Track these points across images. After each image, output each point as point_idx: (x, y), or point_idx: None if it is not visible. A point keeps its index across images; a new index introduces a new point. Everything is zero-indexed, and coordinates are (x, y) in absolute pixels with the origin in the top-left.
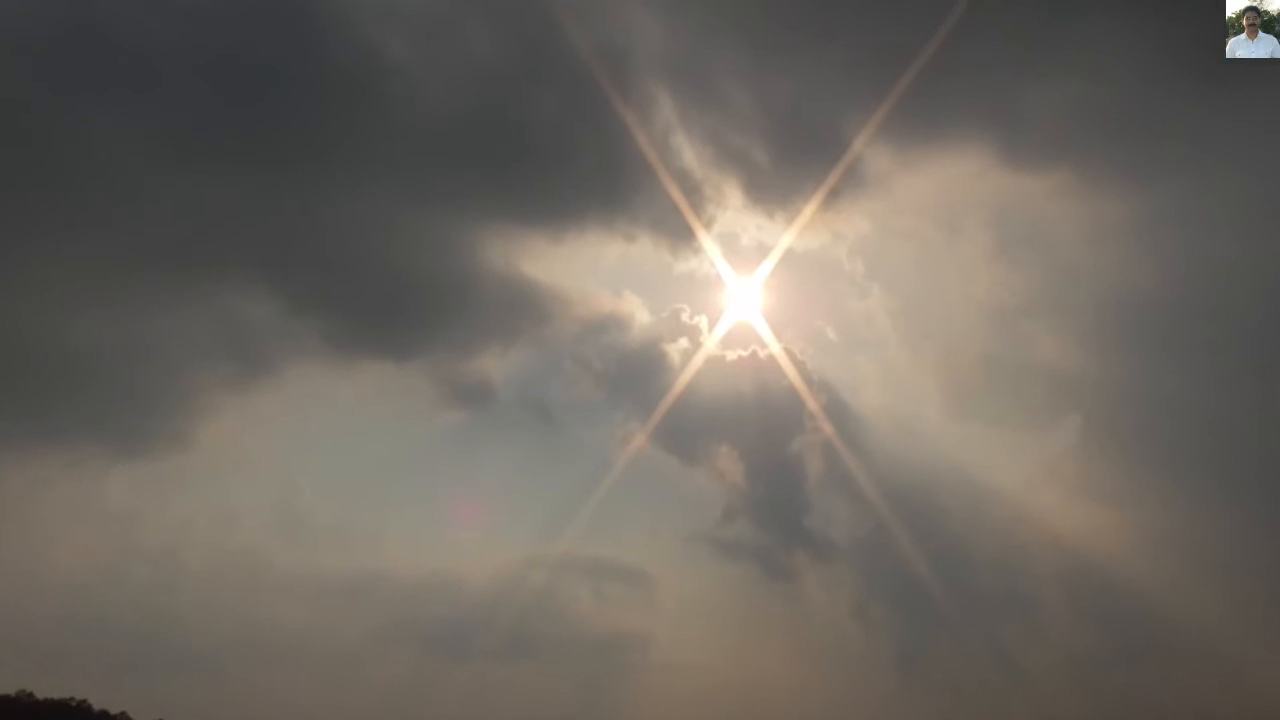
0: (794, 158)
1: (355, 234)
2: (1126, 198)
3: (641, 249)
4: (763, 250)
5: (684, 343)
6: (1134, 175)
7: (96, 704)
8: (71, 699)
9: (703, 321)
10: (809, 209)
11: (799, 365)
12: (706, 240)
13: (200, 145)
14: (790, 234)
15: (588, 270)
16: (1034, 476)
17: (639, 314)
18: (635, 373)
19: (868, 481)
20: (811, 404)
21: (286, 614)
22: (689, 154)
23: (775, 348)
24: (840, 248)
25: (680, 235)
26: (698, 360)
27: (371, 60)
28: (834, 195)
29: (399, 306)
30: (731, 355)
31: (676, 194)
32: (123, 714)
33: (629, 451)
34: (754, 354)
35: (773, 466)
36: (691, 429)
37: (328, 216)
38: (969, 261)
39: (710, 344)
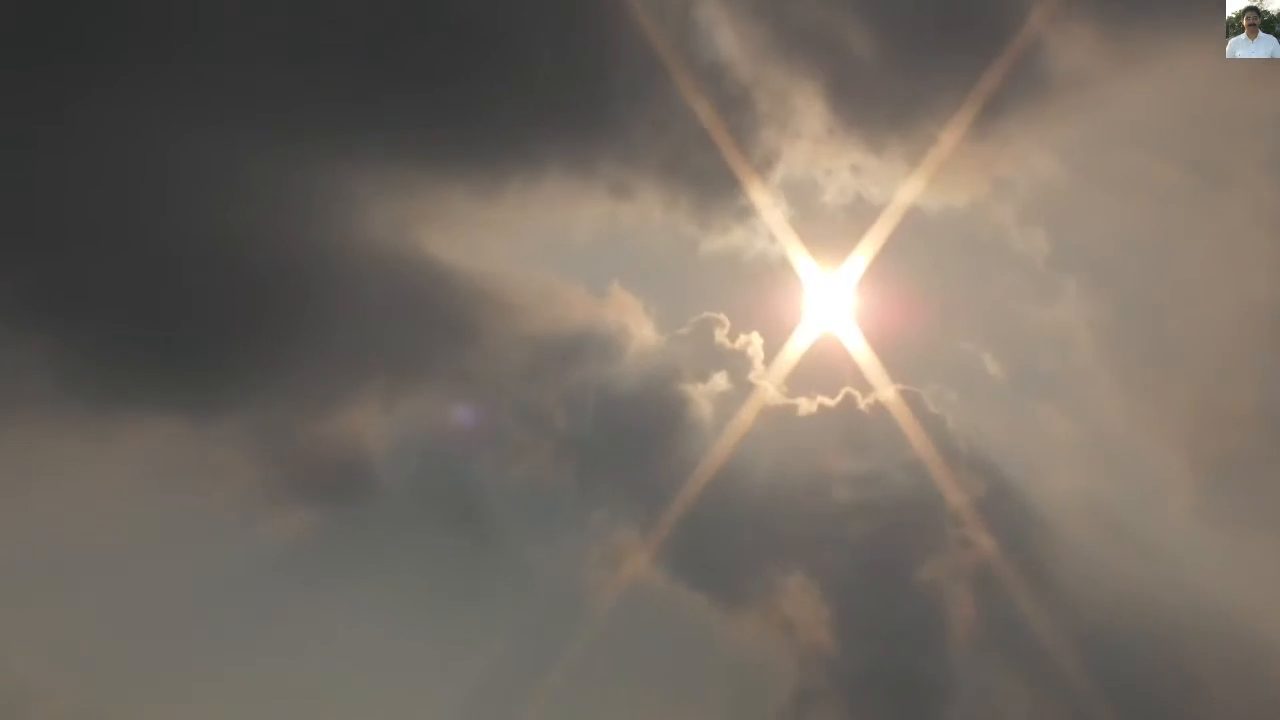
0: (917, 47)
1: (129, 192)
2: None
3: (642, 211)
4: (863, 213)
5: (720, 380)
6: None
7: None
8: None
9: (754, 342)
10: (947, 137)
11: (930, 423)
12: (760, 195)
13: None
14: (914, 183)
15: (545, 248)
16: None
17: (638, 327)
18: (630, 436)
19: (1059, 638)
20: (955, 494)
21: None
22: (727, 40)
23: (886, 391)
24: (1004, 208)
25: (712, 186)
26: (745, 413)
27: None
28: (992, 112)
29: (202, 320)
30: (807, 405)
31: (705, 112)
32: None
33: (618, 584)
34: (848, 402)
35: (885, 612)
36: (735, 542)
37: (82, 164)
38: (1239, 235)
39: (769, 383)
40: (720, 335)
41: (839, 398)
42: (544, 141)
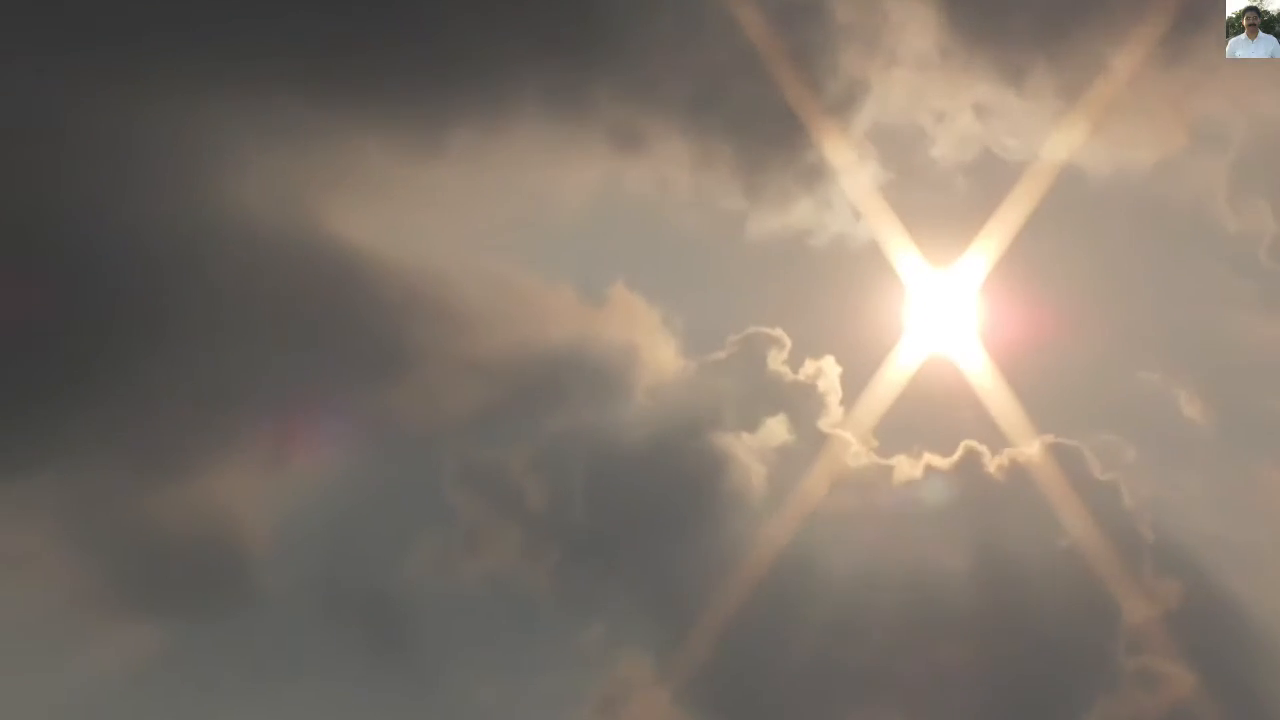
0: None
1: None
2: None
3: (659, 172)
4: (993, 177)
5: (777, 429)
6: None
7: None
8: None
9: (827, 372)
10: (1121, 63)
11: (1097, 494)
12: (837, 149)
13: None
14: (1070, 131)
15: (512, 228)
16: None
17: (654, 348)
18: (640, 514)
19: None
20: (1135, 604)
21: None
22: None
23: (1029, 445)
24: (1208, 168)
25: (765, 136)
26: (814, 479)
27: None
28: (1189, 27)
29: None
30: (908, 466)
31: (754, 24)
32: None
33: None
34: (970, 462)
35: None
36: (797, 674)
37: None
38: None
39: (849, 433)
40: (777, 361)
41: (956, 455)
42: (512, 67)
